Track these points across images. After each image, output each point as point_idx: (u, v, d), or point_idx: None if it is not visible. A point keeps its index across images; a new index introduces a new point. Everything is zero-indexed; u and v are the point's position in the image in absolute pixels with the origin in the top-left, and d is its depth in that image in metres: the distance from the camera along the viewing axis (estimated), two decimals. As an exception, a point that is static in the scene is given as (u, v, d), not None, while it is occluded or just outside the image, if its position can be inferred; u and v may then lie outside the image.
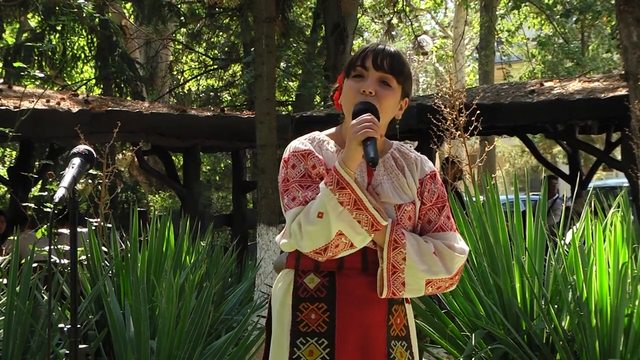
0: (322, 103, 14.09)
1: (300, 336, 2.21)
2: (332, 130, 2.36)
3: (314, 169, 2.22)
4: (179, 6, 14.57)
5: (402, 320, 2.30)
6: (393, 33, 16.95)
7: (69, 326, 2.17)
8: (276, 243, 7.14)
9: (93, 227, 5.16)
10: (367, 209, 2.12)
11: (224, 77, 17.62)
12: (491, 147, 6.26)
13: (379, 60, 2.24)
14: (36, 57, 13.24)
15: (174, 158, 11.78)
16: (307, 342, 2.20)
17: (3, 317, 4.27)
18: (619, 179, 15.60)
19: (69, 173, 2.20)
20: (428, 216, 2.33)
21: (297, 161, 2.24)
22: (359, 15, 14.87)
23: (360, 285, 2.22)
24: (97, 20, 12.34)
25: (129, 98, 13.11)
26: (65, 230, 5.38)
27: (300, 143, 2.28)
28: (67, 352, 2.17)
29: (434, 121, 5.36)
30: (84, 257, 5.02)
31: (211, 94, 17.27)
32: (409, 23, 16.56)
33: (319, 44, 15.02)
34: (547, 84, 9.87)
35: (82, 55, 14.84)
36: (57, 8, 11.74)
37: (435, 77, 26.72)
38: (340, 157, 2.15)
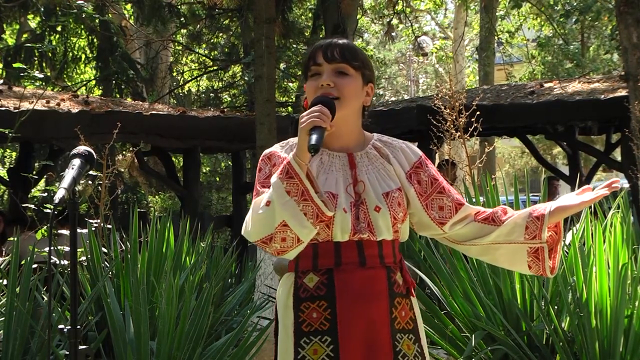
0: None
1: (304, 336, 2.21)
2: None
3: (275, 167, 2.24)
4: (179, 7, 14.57)
5: (407, 313, 2.29)
6: (393, 34, 16.96)
7: (69, 327, 2.17)
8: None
9: (93, 228, 5.16)
10: (312, 199, 2.11)
11: (224, 78, 17.62)
12: (491, 148, 6.27)
13: (329, 52, 2.26)
14: (36, 58, 13.24)
15: (174, 159, 11.79)
16: (310, 341, 2.20)
17: (3, 318, 4.27)
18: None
19: (69, 174, 2.20)
20: (436, 204, 2.32)
21: (264, 164, 2.29)
22: (358, 16, 14.86)
23: (359, 279, 2.22)
24: (97, 21, 12.35)
25: (129, 99, 13.12)
26: (65, 231, 5.38)
27: (270, 148, 2.35)
28: (67, 353, 2.17)
29: (434, 122, 5.36)
30: (84, 258, 5.02)
31: (211, 95, 17.28)
32: (409, 24, 16.57)
33: (319, 45, 15.00)
34: (547, 85, 9.89)
35: (83, 56, 14.85)
36: (57, 9, 11.75)
37: (435, 78, 26.73)
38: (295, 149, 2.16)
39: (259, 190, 2.22)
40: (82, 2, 7.55)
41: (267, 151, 2.32)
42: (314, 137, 2.10)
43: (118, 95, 13.71)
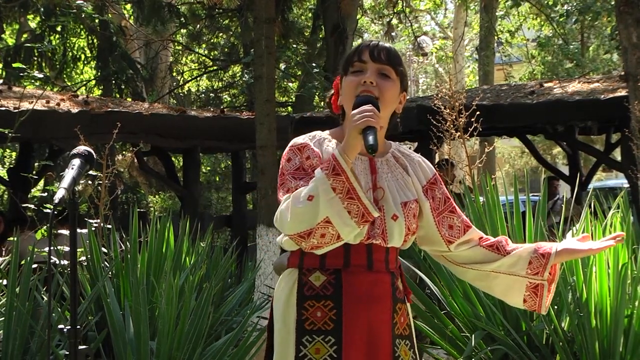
0: (322, 104, 14.07)
1: (306, 334, 2.20)
2: (334, 130, 2.38)
3: (308, 160, 2.22)
4: (178, 7, 14.57)
5: (405, 319, 2.31)
6: (393, 34, 16.94)
7: (68, 327, 2.17)
8: (276, 244, 7.14)
9: (93, 228, 5.16)
10: (360, 198, 2.09)
11: (224, 78, 17.62)
12: (491, 148, 6.27)
13: (375, 53, 2.27)
14: (36, 58, 13.24)
15: (173, 159, 11.78)
16: (313, 340, 2.19)
17: (3, 318, 4.27)
18: (619, 180, 15.60)
19: (69, 174, 2.19)
20: (446, 222, 2.36)
21: (293, 155, 2.25)
22: (358, 16, 14.86)
23: (366, 283, 2.23)
24: (96, 21, 12.35)
25: (129, 99, 13.11)
26: (65, 231, 5.38)
27: (299, 138, 2.31)
28: (67, 353, 2.17)
29: (434, 122, 5.36)
30: (83, 258, 5.02)
31: (211, 95, 17.27)
32: (409, 24, 16.56)
33: (318, 45, 15.02)
34: (546, 85, 9.88)
35: (82, 56, 14.85)
36: (57, 9, 11.75)
37: (435, 78, 26.73)
38: (340, 145, 2.14)
39: (288, 180, 2.19)
40: (82, 2, 7.55)
41: (297, 142, 2.28)
42: (371, 137, 2.09)
43: (118, 95, 13.71)
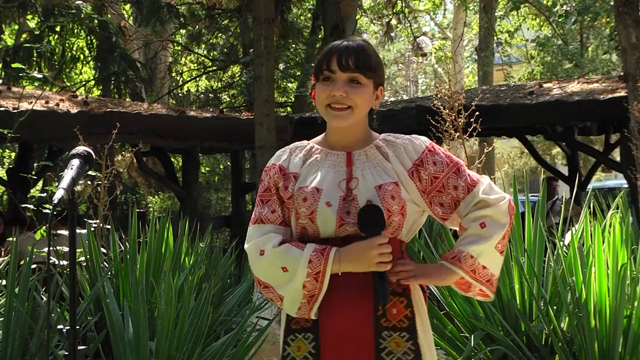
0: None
1: (291, 333, 2.29)
2: (320, 136, 2.40)
3: (284, 181, 2.30)
4: (178, 7, 14.57)
5: (401, 311, 2.27)
6: (392, 34, 16.96)
7: (67, 327, 2.17)
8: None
9: (92, 229, 5.15)
10: (315, 303, 2.22)
11: (223, 79, 17.63)
12: (490, 149, 6.27)
13: (344, 61, 2.25)
14: (35, 58, 13.24)
15: (173, 159, 11.79)
16: (295, 339, 2.28)
17: (2, 319, 4.26)
18: (618, 180, 15.62)
19: (68, 174, 2.19)
20: (437, 201, 2.32)
21: (264, 175, 2.36)
22: (358, 16, 14.87)
23: (343, 275, 2.23)
24: (95, 21, 12.35)
25: (128, 99, 13.11)
26: (65, 232, 5.38)
27: (274, 157, 2.39)
28: (66, 353, 2.17)
29: (433, 122, 5.37)
30: (83, 258, 5.02)
31: (210, 95, 17.28)
32: (408, 24, 16.57)
33: (318, 45, 15.03)
34: (546, 85, 9.89)
35: (81, 57, 14.86)
36: (55, 9, 11.76)
37: (434, 78, 26.75)
38: (345, 254, 2.20)
39: (257, 205, 2.33)
40: (81, 2, 7.56)
41: (269, 162, 2.37)
42: (386, 291, 2.18)
43: (117, 96, 13.72)
